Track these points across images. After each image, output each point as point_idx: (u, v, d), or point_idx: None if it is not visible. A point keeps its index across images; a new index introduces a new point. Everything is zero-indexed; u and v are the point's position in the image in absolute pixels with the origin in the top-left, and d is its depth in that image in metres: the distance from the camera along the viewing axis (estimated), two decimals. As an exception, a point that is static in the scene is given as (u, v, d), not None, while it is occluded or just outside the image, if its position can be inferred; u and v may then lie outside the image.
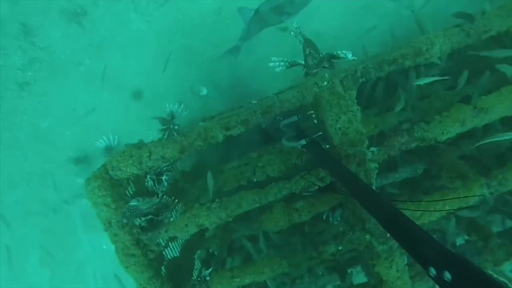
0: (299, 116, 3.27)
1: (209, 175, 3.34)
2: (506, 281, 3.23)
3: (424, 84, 3.58)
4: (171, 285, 3.09)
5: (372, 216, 1.92)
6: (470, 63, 3.48)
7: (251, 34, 4.21)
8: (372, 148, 2.85)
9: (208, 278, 3.08)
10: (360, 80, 2.84)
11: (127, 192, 3.13)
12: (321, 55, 3.30)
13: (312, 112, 3.02)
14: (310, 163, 3.02)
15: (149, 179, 3.14)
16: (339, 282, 4.01)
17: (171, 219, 3.17)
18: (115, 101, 4.59)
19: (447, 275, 1.20)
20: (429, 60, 2.83)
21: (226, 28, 4.84)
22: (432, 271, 1.26)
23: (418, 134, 2.81)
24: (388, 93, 4.23)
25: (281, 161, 3.62)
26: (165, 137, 4.15)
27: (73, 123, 4.52)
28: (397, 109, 3.46)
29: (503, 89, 2.74)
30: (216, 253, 3.77)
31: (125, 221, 2.91)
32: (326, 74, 2.94)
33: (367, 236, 2.93)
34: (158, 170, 3.37)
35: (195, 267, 3.78)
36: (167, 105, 4.14)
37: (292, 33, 3.39)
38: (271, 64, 3.33)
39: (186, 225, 2.95)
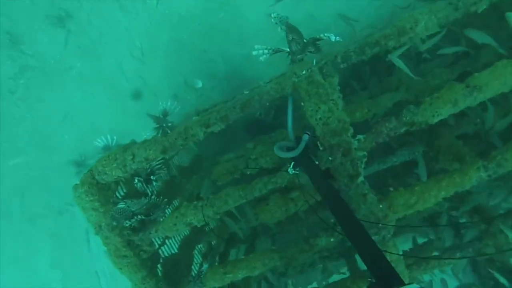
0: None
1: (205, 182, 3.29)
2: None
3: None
4: (167, 283, 3.06)
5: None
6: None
7: None
8: (359, 136, 2.66)
9: (203, 275, 3.04)
10: (341, 66, 2.64)
11: (117, 194, 3.10)
12: (305, 40, 3.12)
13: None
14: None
15: (137, 181, 3.08)
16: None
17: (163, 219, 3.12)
18: (110, 101, 4.54)
19: None
20: (415, 40, 2.59)
21: (215, 17, 4.67)
22: None
23: (407, 118, 2.60)
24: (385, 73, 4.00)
25: (274, 153, 3.48)
26: (159, 135, 4.09)
27: (70, 127, 4.53)
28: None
29: (498, 64, 2.48)
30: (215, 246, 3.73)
31: (114, 223, 2.88)
32: (314, 60, 2.75)
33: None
34: (150, 169, 3.32)
35: (196, 261, 3.75)
36: (160, 103, 4.05)
37: (272, 20, 3.21)
38: (254, 53, 3.17)
39: (175, 225, 2.89)
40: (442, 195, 2.66)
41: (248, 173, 3.57)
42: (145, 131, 4.42)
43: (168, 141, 2.78)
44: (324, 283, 3.85)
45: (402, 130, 2.65)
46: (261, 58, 3.18)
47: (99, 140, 4.63)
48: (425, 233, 3.51)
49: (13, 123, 4.48)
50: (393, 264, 1.80)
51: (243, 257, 3.05)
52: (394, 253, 2.63)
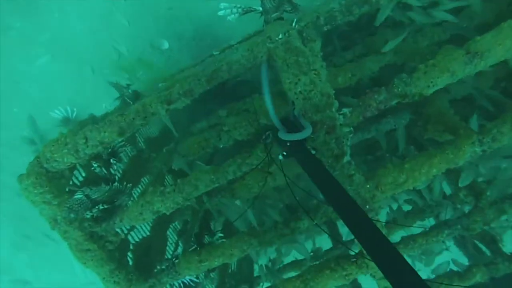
0: None
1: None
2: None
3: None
4: (139, 273, 2.77)
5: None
6: None
7: None
8: (344, 110, 2.29)
9: (177, 262, 2.76)
10: (325, 28, 2.19)
11: (74, 179, 2.68)
12: None
13: None
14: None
15: (95, 166, 2.66)
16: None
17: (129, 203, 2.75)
18: (65, 71, 3.93)
19: None
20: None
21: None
22: None
23: (399, 89, 2.23)
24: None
25: (248, 123, 3.09)
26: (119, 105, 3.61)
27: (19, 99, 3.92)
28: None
29: (504, 25, 2.09)
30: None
31: (72, 216, 2.49)
32: (294, 21, 2.28)
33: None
34: (111, 149, 2.89)
35: (171, 241, 3.47)
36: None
37: None
38: (220, 13, 2.67)
39: (141, 213, 2.53)
40: (433, 172, 2.39)
41: (221, 146, 3.20)
42: (107, 101, 3.92)
43: (125, 121, 2.33)
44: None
45: (393, 103, 2.30)
46: (229, 18, 2.68)
47: (57, 112, 4.09)
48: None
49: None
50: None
51: (220, 241, 2.77)
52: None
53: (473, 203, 2.70)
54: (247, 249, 2.62)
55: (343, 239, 3.93)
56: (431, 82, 2.21)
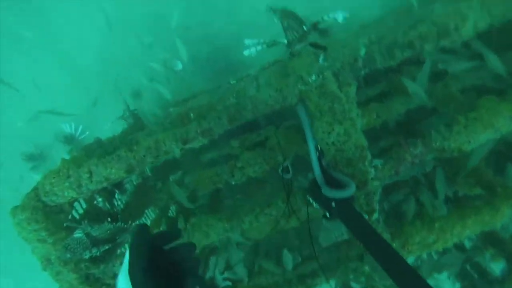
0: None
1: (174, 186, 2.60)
2: None
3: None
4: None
5: None
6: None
7: None
8: (376, 162, 2.04)
9: None
10: (363, 72, 1.96)
11: (74, 213, 2.41)
12: (304, 28, 2.39)
13: None
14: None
15: (99, 200, 2.39)
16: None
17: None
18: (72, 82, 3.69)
19: None
20: (457, 43, 1.93)
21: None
22: None
23: (437, 143, 1.99)
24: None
25: (263, 160, 2.83)
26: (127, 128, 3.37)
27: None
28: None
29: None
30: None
31: (68, 256, 2.20)
32: (320, 58, 2.05)
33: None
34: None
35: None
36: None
37: (266, 11, 2.48)
38: (246, 53, 2.44)
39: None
40: (466, 234, 2.13)
41: (233, 183, 2.93)
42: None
43: (135, 158, 2.07)
44: None
45: (430, 157, 2.05)
46: (253, 54, 2.46)
47: (66, 125, 3.82)
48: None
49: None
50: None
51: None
52: None
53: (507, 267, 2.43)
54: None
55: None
56: (472, 138, 1.98)
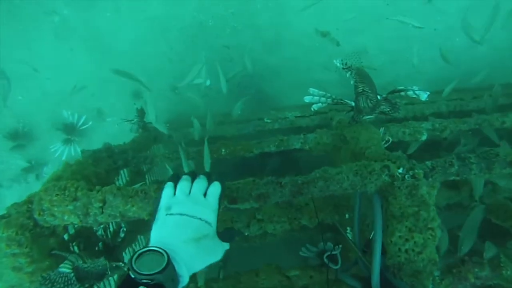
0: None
1: None
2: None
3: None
4: None
5: None
6: None
7: None
8: (435, 273, 1.76)
9: None
10: (452, 178, 1.69)
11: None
12: (379, 97, 2.14)
13: None
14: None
15: (100, 229, 1.95)
16: None
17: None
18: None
19: None
20: None
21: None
22: None
23: (509, 272, 1.73)
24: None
25: (287, 219, 2.50)
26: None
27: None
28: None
29: None
30: None
31: (43, 291, 1.74)
32: (381, 130, 1.83)
33: None
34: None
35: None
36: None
37: (336, 63, 2.24)
38: (307, 99, 2.17)
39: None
40: None
41: (247, 234, 2.57)
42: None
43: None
44: None
45: (493, 283, 1.79)
46: (314, 107, 2.19)
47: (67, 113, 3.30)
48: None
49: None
50: None
51: None
52: None
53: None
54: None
55: None
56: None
